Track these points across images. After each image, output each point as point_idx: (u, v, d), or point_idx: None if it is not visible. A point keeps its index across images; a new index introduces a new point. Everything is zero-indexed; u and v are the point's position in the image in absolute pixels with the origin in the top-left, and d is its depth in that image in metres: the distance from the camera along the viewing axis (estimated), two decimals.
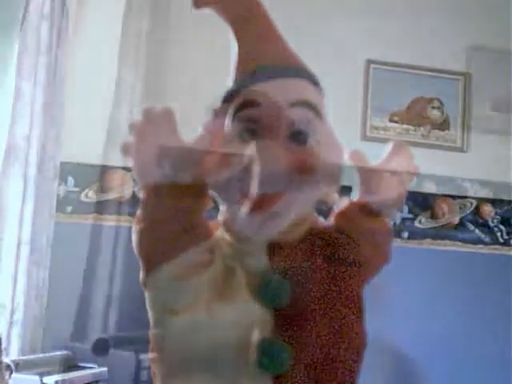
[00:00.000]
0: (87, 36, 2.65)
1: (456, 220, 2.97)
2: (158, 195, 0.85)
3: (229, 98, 0.91)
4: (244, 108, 0.88)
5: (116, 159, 2.70)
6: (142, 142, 0.84)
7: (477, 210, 2.99)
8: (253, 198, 0.85)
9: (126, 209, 2.67)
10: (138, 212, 0.87)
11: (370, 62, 2.96)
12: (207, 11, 2.96)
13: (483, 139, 2.98)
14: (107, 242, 2.62)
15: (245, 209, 0.85)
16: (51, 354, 2.20)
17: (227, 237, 0.90)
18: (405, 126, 2.98)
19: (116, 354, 1.93)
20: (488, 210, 3.00)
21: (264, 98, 0.87)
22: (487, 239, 2.99)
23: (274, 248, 0.87)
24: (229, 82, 0.93)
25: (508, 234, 3.01)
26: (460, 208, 2.98)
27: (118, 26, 2.56)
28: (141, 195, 0.88)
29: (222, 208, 0.93)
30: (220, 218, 0.93)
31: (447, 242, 2.93)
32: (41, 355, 2.21)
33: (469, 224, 2.98)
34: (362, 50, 2.96)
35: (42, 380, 1.86)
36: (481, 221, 2.99)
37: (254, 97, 0.88)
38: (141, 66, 2.46)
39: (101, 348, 1.92)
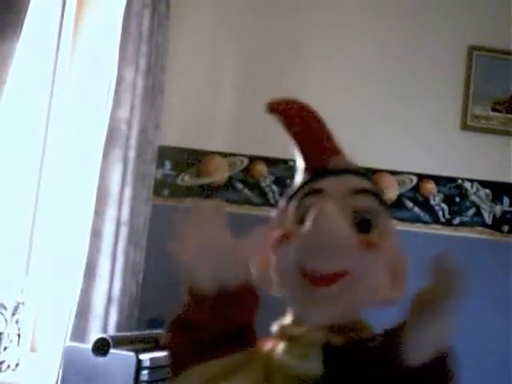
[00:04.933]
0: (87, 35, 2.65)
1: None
2: (201, 295, 0.82)
3: (293, 195, 0.92)
4: (307, 196, 0.88)
5: (213, 144, 2.75)
6: (189, 238, 0.82)
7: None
8: (311, 275, 0.82)
9: (221, 194, 2.71)
10: (177, 310, 0.85)
11: (472, 48, 2.85)
12: (208, 12, 2.92)
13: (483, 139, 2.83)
14: None
15: (304, 285, 0.82)
16: (147, 331, 2.27)
17: (279, 347, 0.85)
18: (509, 116, 2.86)
19: (116, 354, 1.93)
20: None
21: (328, 186, 0.88)
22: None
23: (328, 352, 0.81)
24: (295, 183, 0.95)
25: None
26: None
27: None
28: (184, 293, 0.85)
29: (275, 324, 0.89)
30: (274, 328, 0.89)
31: None
32: (137, 332, 2.28)
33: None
34: (464, 36, 2.86)
35: (137, 357, 1.91)
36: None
37: (317, 186, 0.89)
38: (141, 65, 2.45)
39: (100, 348, 1.92)
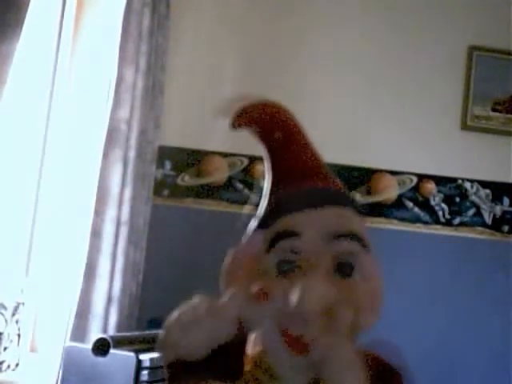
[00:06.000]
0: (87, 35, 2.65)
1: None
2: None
3: (264, 223, 0.86)
4: (282, 238, 0.82)
5: (213, 144, 2.75)
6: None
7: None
8: (291, 338, 0.79)
9: (221, 194, 2.71)
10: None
11: (472, 48, 2.85)
12: (208, 12, 2.92)
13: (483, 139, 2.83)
14: (201, 226, 2.67)
15: (283, 348, 0.79)
16: (147, 331, 2.27)
17: (258, 372, 0.83)
18: (509, 116, 2.86)
19: (116, 354, 1.93)
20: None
21: (305, 228, 0.81)
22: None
23: None
24: (262, 206, 0.89)
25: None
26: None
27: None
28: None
29: (252, 338, 0.85)
30: (249, 350, 0.85)
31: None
32: (137, 333, 2.28)
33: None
34: (464, 36, 2.87)
35: (137, 357, 1.91)
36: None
37: (293, 227, 0.82)
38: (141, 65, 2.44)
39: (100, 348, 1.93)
